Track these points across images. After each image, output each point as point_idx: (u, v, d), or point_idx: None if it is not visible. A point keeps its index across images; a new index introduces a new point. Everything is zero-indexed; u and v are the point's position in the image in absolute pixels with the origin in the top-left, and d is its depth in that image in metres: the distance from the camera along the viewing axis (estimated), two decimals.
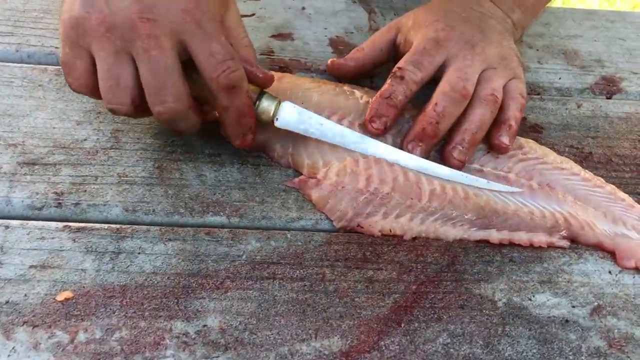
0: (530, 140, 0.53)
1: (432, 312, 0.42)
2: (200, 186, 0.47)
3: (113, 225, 0.44)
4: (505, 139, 0.50)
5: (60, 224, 0.44)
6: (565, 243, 0.47)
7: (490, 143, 0.51)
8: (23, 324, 0.38)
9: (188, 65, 0.43)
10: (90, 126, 0.50)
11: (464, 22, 0.54)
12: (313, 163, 0.48)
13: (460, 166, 0.49)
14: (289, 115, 0.47)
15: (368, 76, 0.57)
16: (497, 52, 0.53)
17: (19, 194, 0.45)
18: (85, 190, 0.46)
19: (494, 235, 0.46)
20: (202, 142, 0.50)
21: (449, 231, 0.46)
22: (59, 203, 0.45)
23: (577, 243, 0.48)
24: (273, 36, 0.62)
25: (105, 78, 0.42)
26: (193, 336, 0.39)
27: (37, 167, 0.47)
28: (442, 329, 0.41)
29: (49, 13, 0.59)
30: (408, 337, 0.40)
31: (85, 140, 0.49)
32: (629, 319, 0.43)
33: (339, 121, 0.50)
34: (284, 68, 0.59)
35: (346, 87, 0.53)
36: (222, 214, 0.46)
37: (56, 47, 0.56)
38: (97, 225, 0.44)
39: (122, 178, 0.47)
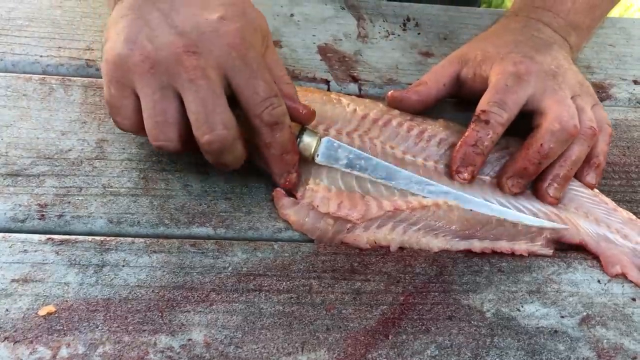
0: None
1: (420, 323, 0.41)
2: (186, 197, 0.47)
3: (97, 238, 0.43)
4: (592, 179, 0.50)
5: (44, 237, 0.43)
6: (547, 251, 0.47)
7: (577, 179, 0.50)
8: (4, 340, 0.37)
9: (230, 103, 0.42)
10: (75, 136, 0.49)
11: (537, 52, 0.52)
12: (297, 176, 0.47)
13: (556, 203, 0.49)
14: (329, 152, 0.47)
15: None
16: (575, 79, 0.52)
17: (1, 206, 0.44)
18: (69, 202, 0.45)
19: (476, 245, 0.46)
20: (188, 152, 0.50)
21: (431, 241, 0.46)
22: (42, 215, 0.44)
23: (561, 242, 0.48)
24: None
25: (152, 115, 0.42)
26: (178, 350, 0.38)
27: (20, 178, 0.46)
28: (430, 340, 0.41)
29: (33, 21, 0.59)
30: (396, 350, 0.40)
31: (69, 150, 0.48)
32: (618, 329, 0.43)
33: (326, 130, 0.49)
34: None
35: (333, 96, 0.53)
36: (208, 225, 0.45)
37: (41, 56, 0.56)
38: (81, 238, 0.43)
39: (107, 189, 0.46)
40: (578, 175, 0.50)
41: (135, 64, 0.41)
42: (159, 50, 0.41)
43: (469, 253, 0.46)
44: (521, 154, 0.48)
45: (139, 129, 0.43)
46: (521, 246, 0.47)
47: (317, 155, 0.47)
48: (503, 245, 0.46)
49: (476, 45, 0.55)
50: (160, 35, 0.41)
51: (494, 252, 0.46)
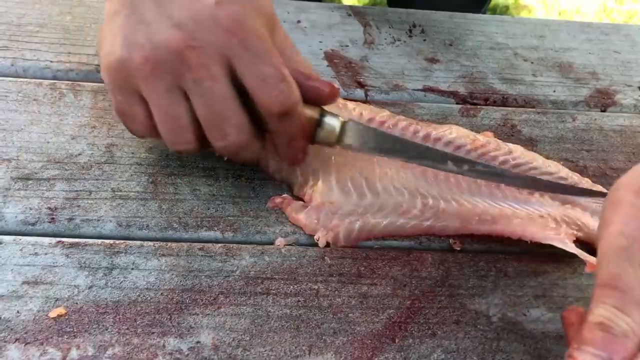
0: (518, 146, 0.54)
1: (427, 327, 0.42)
2: (194, 201, 0.47)
3: (107, 241, 0.44)
4: None
5: (54, 240, 0.43)
6: (560, 241, 0.45)
7: None
8: (15, 341, 0.38)
9: (240, 89, 0.40)
10: (84, 140, 0.50)
11: None
12: (304, 181, 0.48)
13: None
14: (356, 136, 0.44)
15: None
16: None
17: (12, 209, 0.45)
18: (79, 206, 0.46)
19: (495, 228, 0.46)
20: (196, 156, 0.50)
21: (448, 224, 0.46)
22: (53, 218, 0.45)
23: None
24: None
25: (163, 121, 0.40)
26: (186, 353, 0.39)
27: (30, 182, 0.47)
28: (436, 344, 0.41)
29: (44, 27, 0.60)
30: (402, 354, 0.40)
31: (79, 154, 0.49)
32: None
33: None
34: None
35: (339, 101, 0.53)
36: (216, 228, 0.46)
37: (51, 61, 0.56)
38: (91, 241, 0.44)
39: (116, 193, 0.47)
40: None
41: (137, 68, 0.39)
42: (158, 48, 0.38)
43: (474, 257, 0.46)
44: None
45: (156, 133, 0.42)
46: (544, 233, 0.46)
47: (344, 140, 0.43)
48: (524, 231, 0.46)
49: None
50: (158, 32, 0.38)
51: (501, 254, 0.47)
